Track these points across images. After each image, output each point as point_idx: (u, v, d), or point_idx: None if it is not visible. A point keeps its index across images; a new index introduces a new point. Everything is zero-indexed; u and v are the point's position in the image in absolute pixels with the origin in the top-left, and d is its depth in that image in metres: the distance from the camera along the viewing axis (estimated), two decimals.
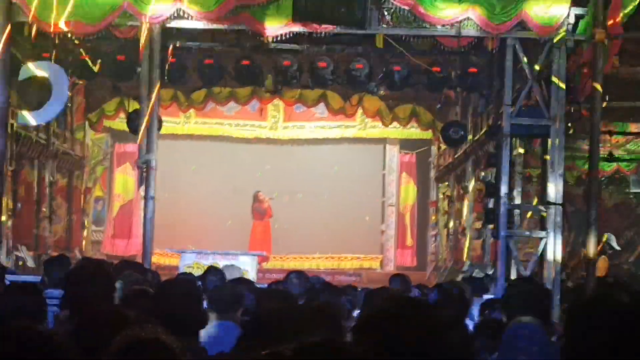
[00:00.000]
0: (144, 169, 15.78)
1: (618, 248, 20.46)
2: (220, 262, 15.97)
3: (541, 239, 16.18)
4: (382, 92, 20.73)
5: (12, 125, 18.01)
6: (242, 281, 9.00)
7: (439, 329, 3.62)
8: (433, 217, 27.39)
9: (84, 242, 25.72)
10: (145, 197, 15.80)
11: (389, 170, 28.58)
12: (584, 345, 3.34)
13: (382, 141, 28.40)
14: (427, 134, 26.48)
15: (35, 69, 16.43)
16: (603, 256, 19.30)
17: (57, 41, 16.00)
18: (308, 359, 3.05)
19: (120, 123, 23.96)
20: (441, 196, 26.63)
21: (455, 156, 23.82)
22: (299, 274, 9.84)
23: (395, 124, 25.40)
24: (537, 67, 15.95)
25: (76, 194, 24.80)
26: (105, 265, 6.96)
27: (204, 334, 6.06)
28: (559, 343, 6.77)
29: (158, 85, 15.97)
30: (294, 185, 27.66)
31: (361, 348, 3.48)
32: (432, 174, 27.83)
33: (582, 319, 3.36)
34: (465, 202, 23.37)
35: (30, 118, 16.86)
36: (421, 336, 3.55)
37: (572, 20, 15.52)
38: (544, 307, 6.74)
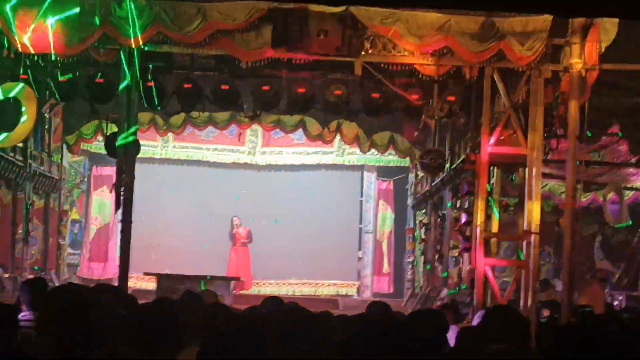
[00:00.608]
0: (121, 193, 15.72)
1: (617, 270, 20.47)
2: (196, 286, 15.92)
3: (518, 267, 16.24)
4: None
5: None
6: (218, 306, 8.96)
7: (417, 353, 3.62)
8: (410, 244, 27.36)
9: (60, 265, 25.55)
10: (122, 221, 15.75)
11: (367, 197, 28.59)
12: None
13: (360, 168, 28.43)
14: (405, 162, 26.54)
15: (8, 90, 16.41)
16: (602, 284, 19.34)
17: (40, 62, 15.94)
18: None
19: (98, 146, 23.93)
20: (418, 223, 26.62)
21: (433, 184, 23.85)
22: (275, 299, 9.81)
23: (373, 151, 25.47)
24: (515, 97, 16.05)
25: (53, 216, 24.64)
26: (81, 289, 6.93)
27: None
28: None
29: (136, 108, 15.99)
30: (271, 210, 27.62)
31: None
32: (410, 201, 27.84)
33: (560, 346, 3.37)
34: (443, 230, 23.38)
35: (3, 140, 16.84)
36: None
37: (550, 50, 15.64)
38: (521, 335, 6.75)
